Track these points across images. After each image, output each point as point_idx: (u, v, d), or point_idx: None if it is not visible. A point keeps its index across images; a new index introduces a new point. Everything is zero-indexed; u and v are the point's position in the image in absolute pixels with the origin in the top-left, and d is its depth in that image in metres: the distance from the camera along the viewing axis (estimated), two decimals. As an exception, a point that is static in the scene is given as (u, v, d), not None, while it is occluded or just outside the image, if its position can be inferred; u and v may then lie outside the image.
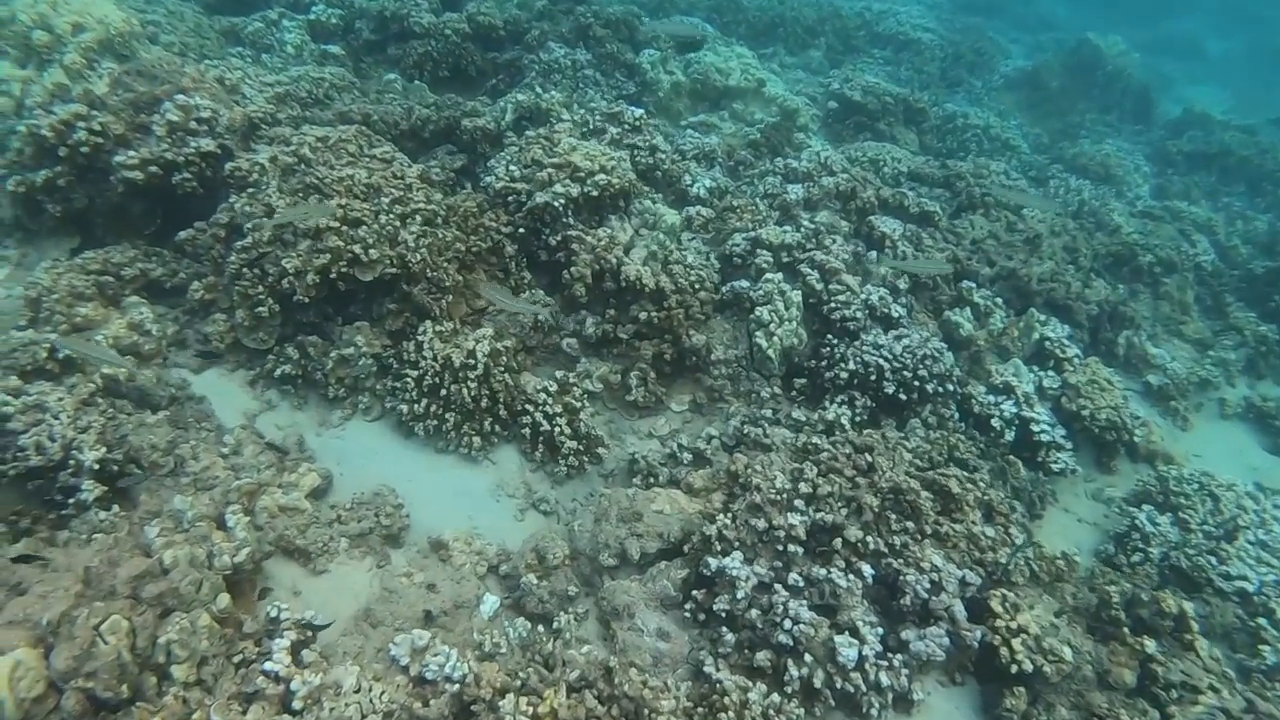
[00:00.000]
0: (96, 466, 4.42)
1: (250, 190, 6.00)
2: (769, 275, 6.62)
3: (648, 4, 13.77)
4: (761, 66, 10.96)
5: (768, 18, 14.08)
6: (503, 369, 5.94)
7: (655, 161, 7.46)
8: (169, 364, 5.92)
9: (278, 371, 5.84)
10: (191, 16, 9.21)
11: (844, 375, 6.22)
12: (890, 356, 6.20)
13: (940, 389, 6.21)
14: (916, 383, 6.16)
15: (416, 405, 5.76)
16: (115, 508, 4.50)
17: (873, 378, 6.17)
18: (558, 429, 5.85)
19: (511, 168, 6.72)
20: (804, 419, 6.11)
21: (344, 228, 5.89)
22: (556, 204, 6.48)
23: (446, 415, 5.77)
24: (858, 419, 6.12)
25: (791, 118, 10.18)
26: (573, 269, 6.43)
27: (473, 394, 5.77)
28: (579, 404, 6.00)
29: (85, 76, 5.92)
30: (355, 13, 9.90)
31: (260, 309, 5.71)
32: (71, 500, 4.39)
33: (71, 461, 4.43)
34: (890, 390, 6.16)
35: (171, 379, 5.71)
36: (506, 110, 7.40)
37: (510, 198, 6.68)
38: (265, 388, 5.96)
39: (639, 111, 7.70)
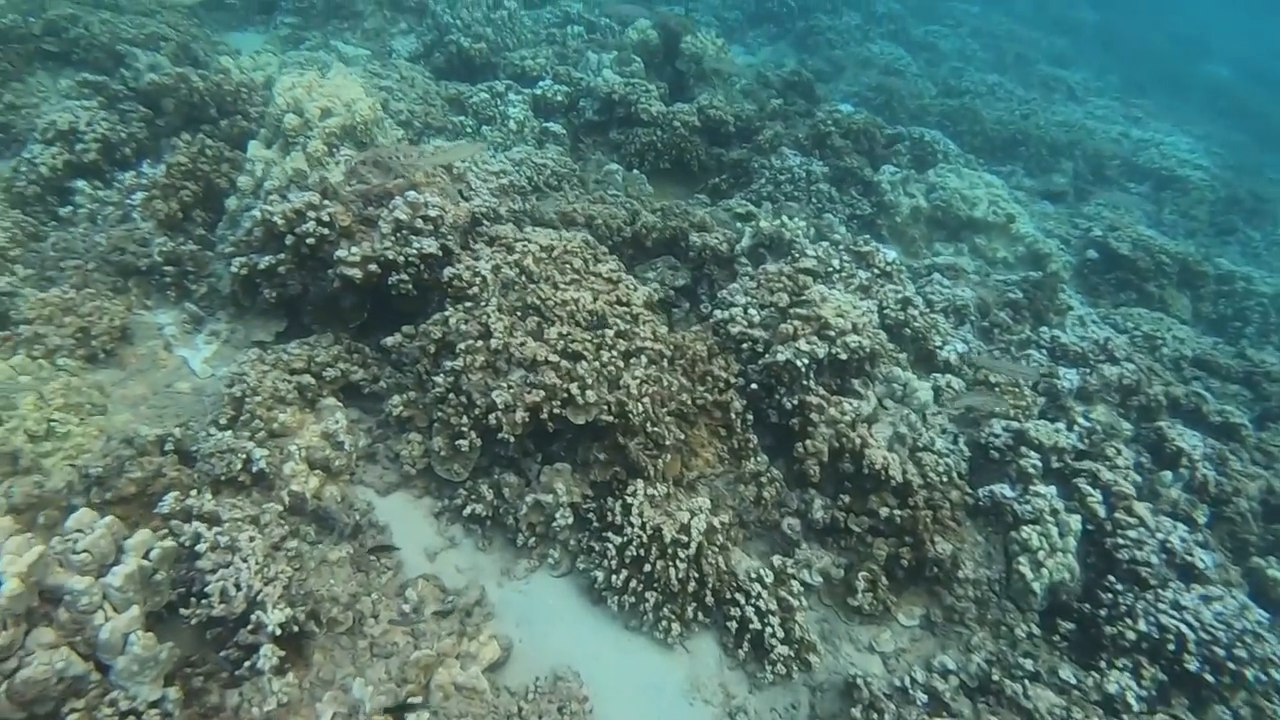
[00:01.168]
0: (278, 631, 4.11)
1: (468, 304, 5.77)
2: (1039, 488, 5.75)
3: (875, 104, 13.33)
4: (1010, 198, 10.13)
5: (1008, 133, 13.30)
6: (716, 548, 5.37)
7: (905, 317, 6.79)
8: (356, 479, 5.69)
9: (467, 509, 5.50)
10: (421, 83, 9.44)
11: (1130, 636, 5.24)
12: (1196, 625, 5.18)
13: (1263, 676, 5.11)
14: (1231, 664, 5.10)
15: (615, 576, 5.28)
16: (289, 675, 4.17)
17: (1170, 647, 5.16)
18: (769, 629, 5.21)
19: (751, 311, 6.22)
20: (1073, 681, 5.16)
21: (562, 362, 5.53)
22: (799, 363, 5.90)
23: (647, 594, 5.26)
24: (1144, 694, 5.11)
25: (1042, 264, 9.28)
26: (808, 442, 5.82)
27: (680, 575, 5.23)
28: (796, 601, 5.35)
29: (324, 164, 5.90)
30: (581, 91, 9.89)
31: (461, 441, 5.40)
32: (248, 663, 4.08)
33: (253, 618, 4.14)
34: (1192, 668, 5.12)
35: (357, 503, 5.47)
36: (744, 235, 6.94)
37: (745, 345, 6.16)
38: (450, 521, 5.66)
39: (892, 255, 7.10)
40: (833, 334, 6.05)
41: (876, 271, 7.10)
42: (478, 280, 5.82)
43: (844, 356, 6.03)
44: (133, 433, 5.36)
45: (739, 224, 7.65)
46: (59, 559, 3.85)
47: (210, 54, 10.48)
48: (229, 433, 5.33)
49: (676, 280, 7.29)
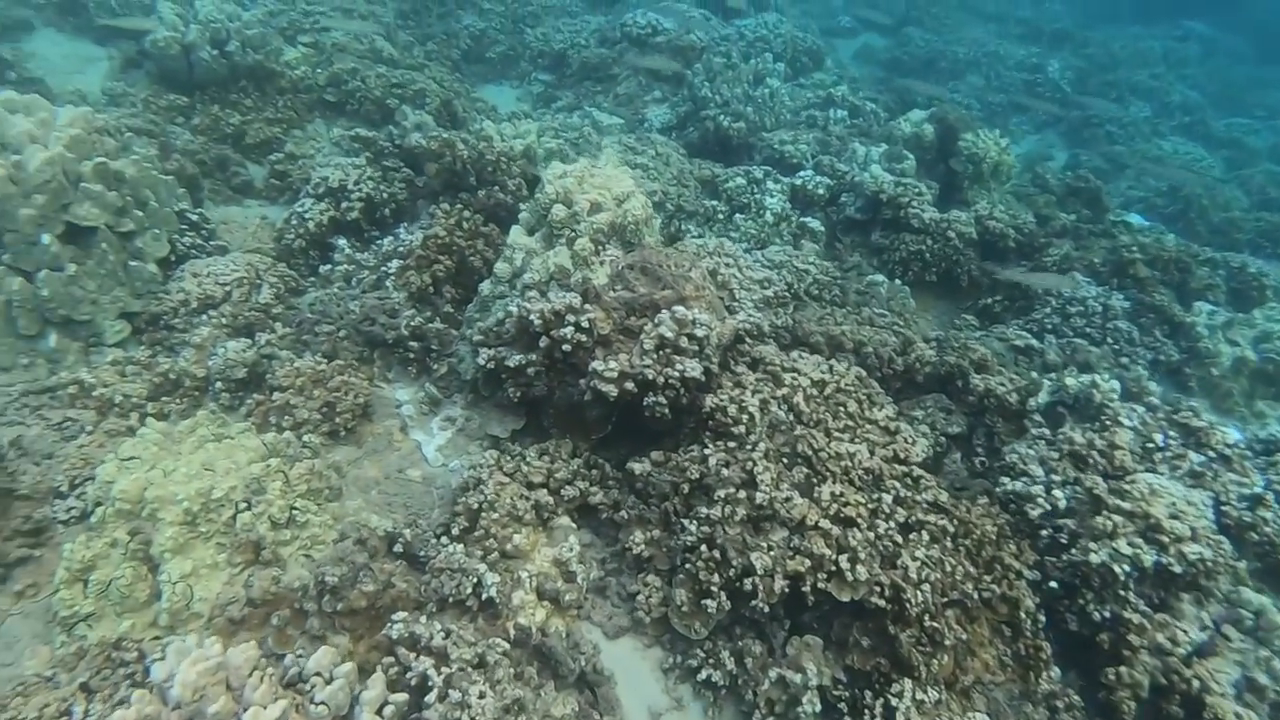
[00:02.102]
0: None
1: (731, 445, 5.32)
2: None
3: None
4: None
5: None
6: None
7: (1254, 520, 5.67)
8: (583, 614, 5.34)
9: (703, 674, 4.99)
10: (676, 161, 9.31)
11: None
12: None
13: None
14: None
15: (866, 795, 4.56)
16: None
17: None
18: None
19: (1055, 491, 5.38)
20: None
21: (833, 529, 4.94)
22: (1118, 569, 4.99)
23: (904, 832, 4.49)
24: None
25: None
26: (1124, 670, 4.88)
27: (949, 818, 4.44)
28: None
29: (588, 263, 5.69)
30: (844, 185, 9.38)
31: (708, 602, 4.91)
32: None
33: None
34: None
35: (584, 643, 5.09)
36: (1041, 389, 6.10)
37: (1045, 531, 5.32)
38: (680, 680, 5.18)
39: (1235, 435, 5.98)
40: (1164, 539, 5.09)
41: (1213, 454, 6.02)
42: (744, 418, 5.38)
43: (1177, 569, 5.05)
44: (364, 527, 5.31)
45: (1026, 367, 6.81)
46: (296, 706, 3.68)
47: (469, 110, 10.94)
48: (461, 547, 5.15)
49: (949, 426, 6.55)
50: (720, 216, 8.95)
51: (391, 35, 12.80)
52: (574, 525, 5.62)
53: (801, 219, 9.07)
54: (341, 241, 7.83)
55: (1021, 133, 16.34)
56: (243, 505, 5.03)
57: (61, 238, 6.52)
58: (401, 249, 7.42)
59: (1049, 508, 5.41)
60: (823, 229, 9.05)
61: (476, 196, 7.95)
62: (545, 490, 5.57)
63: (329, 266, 7.70)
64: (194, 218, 7.70)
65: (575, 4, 15.57)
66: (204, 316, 6.85)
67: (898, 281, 8.51)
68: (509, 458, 5.78)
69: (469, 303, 7.21)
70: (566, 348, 5.63)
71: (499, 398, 6.27)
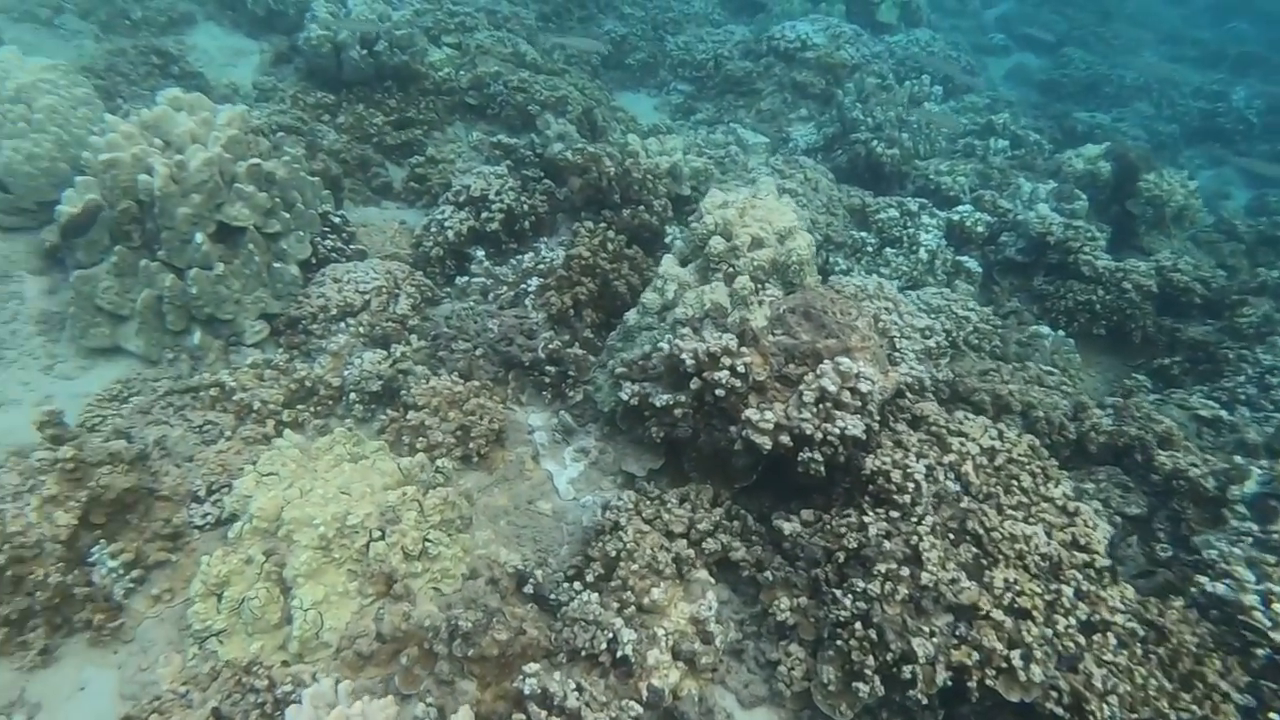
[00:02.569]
0: None
1: (894, 514, 4.96)
2: None
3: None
4: None
5: None
6: None
7: None
8: (718, 677, 5.08)
9: (843, 764, 4.66)
10: (825, 187, 8.98)
11: None
12: None
13: None
14: None
15: None
16: None
17: None
18: None
19: (1277, 606, 4.81)
20: None
21: (1005, 619, 4.53)
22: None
23: None
24: None
25: None
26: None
27: None
28: None
29: (747, 302, 5.42)
30: (1006, 224, 8.83)
31: (860, 685, 4.57)
32: None
33: None
34: None
35: (717, 711, 4.84)
36: (1249, 477, 5.51)
37: (1262, 650, 4.77)
38: (817, 761, 4.84)
39: None
40: None
41: None
42: (910, 486, 5.02)
43: None
44: (495, 564, 5.20)
45: (1211, 441, 6.18)
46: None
47: (608, 119, 10.83)
48: (596, 596, 4.96)
49: (1127, 506, 6.01)
50: (869, 249, 8.55)
51: (533, 38, 12.85)
52: (712, 580, 5.37)
53: (957, 257, 8.57)
54: (479, 253, 7.81)
55: (1196, 167, 15.23)
56: (377, 534, 4.98)
57: (212, 236, 6.67)
58: (542, 266, 7.33)
59: (1269, 624, 4.83)
60: (979, 269, 8.52)
61: (620, 215, 7.81)
62: (686, 541, 5.34)
63: (466, 279, 7.67)
64: (336, 220, 7.81)
65: (717, 12, 15.35)
66: (342, 324, 6.90)
67: (1061, 333, 7.92)
68: (648, 501, 5.58)
69: (609, 328, 7.06)
70: (720, 391, 5.38)
71: (637, 433, 6.07)
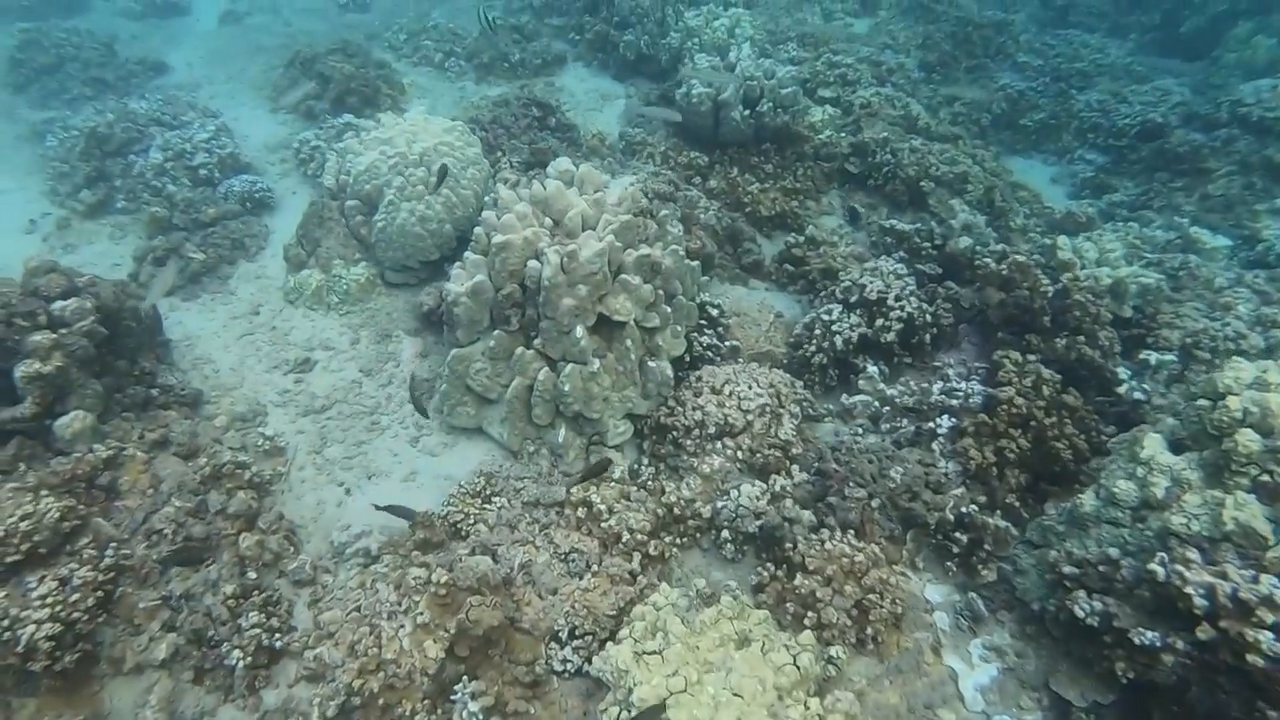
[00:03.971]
0: None
1: None
2: None
3: None
4: None
5: None
6: None
7: None
8: None
9: None
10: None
11: None
12: None
13: None
14: None
15: None
16: None
17: None
18: None
19: None
20: None
21: None
22: None
23: None
24: None
25: None
26: None
27: None
28: None
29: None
30: None
31: None
32: None
33: None
34: None
35: None
36: None
37: None
38: None
39: None
40: None
41: None
42: None
43: None
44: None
45: None
46: None
47: (1008, 199, 9.62)
48: None
49: None
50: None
51: (915, 91, 11.89)
52: None
53: None
54: (872, 369, 7.01)
55: None
56: (775, 757, 4.30)
57: (590, 329, 6.44)
58: (954, 402, 6.37)
59: None
60: None
61: (1052, 344, 6.64)
62: None
63: (854, 399, 6.90)
64: (713, 311, 7.37)
65: (1138, 62, 13.42)
66: (718, 444, 6.38)
67: None
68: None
69: (1037, 492, 5.96)
70: (1254, 659, 4.12)
71: (1081, 651, 4.94)
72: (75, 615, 5.08)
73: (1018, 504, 5.91)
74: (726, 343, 7.33)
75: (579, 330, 6.31)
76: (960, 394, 6.43)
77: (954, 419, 6.27)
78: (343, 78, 11.03)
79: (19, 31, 12.04)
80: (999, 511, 5.85)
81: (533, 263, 6.31)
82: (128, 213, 9.45)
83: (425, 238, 7.92)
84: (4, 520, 5.18)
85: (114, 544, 5.49)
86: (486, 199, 7.60)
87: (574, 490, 6.08)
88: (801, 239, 8.63)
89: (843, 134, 10.10)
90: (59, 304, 6.05)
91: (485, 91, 12.33)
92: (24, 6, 13.50)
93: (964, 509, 5.75)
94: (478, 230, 6.78)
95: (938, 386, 6.60)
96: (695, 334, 7.17)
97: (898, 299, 7.15)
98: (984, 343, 7.20)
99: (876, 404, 6.85)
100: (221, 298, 8.42)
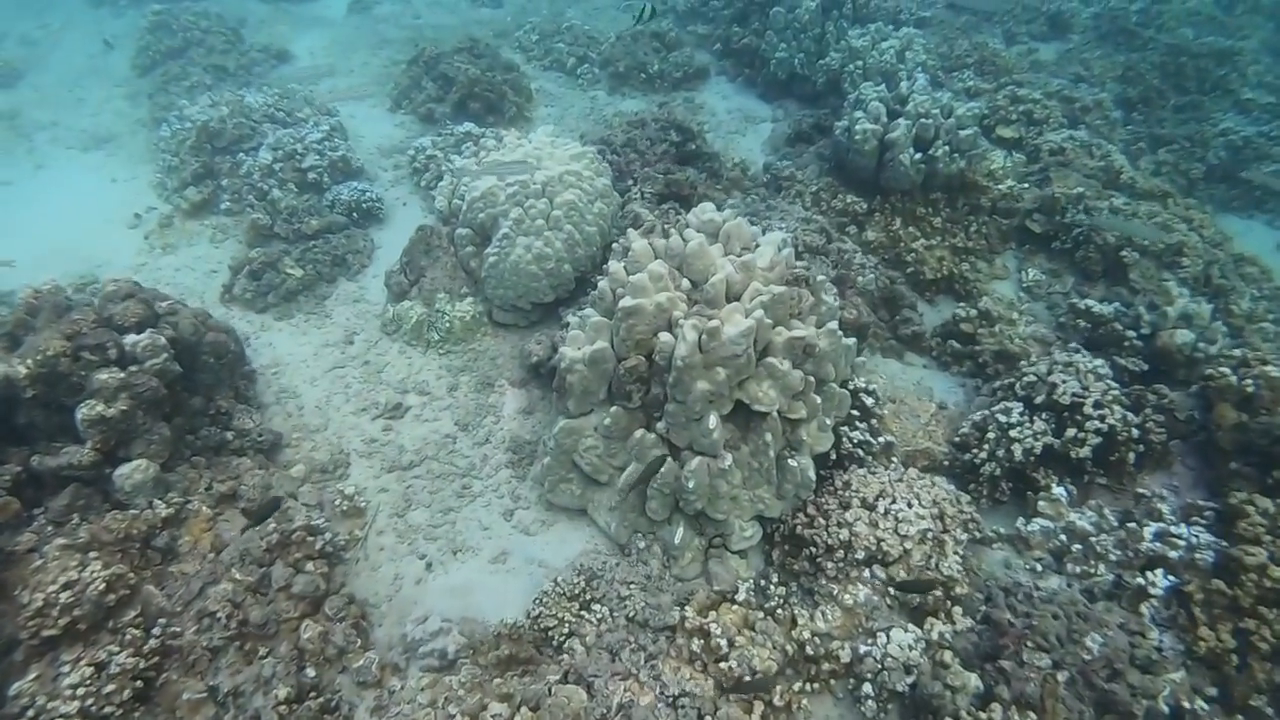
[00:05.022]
0: None
1: None
2: None
3: None
4: None
5: None
6: None
7: None
8: None
9: None
10: None
11: None
12: None
13: None
14: None
15: None
16: None
17: None
18: None
19: None
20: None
21: None
22: None
23: None
24: None
25: None
26: None
27: None
28: None
29: None
30: None
31: None
32: None
33: None
34: None
35: None
36: None
37: None
38: None
39: None
40: None
41: None
42: None
43: None
44: None
45: None
46: None
47: (1229, 274, 8.27)
48: None
49: None
50: None
51: (1113, 131, 10.55)
52: None
53: None
54: (1059, 491, 5.93)
55: None
56: None
57: (725, 417, 5.57)
58: (1174, 555, 5.23)
59: None
60: None
61: (1302, 491, 5.41)
62: None
63: (1033, 526, 5.83)
64: (867, 399, 6.38)
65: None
66: (866, 572, 5.41)
67: None
68: None
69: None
70: None
71: None
72: (107, 710, 4.54)
73: (1269, 709, 4.73)
74: (880, 438, 6.33)
75: (712, 419, 5.44)
76: (1182, 543, 5.27)
77: (1173, 578, 5.13)
78: (466, 81, 10.47)
79: (152, 13, 11.96)
80: (1239, 717, 4.69)
81: (664, 335, 5.47)
82: (231, 214, 9.11)
83: (541, 277, 7.20)
84: (45, 587, 4.70)
85: (162, 620, 4.95)
86: (615, 245, 6.80)
87: (689, 615, 5.23)
88: (973, 312, 7.53)
89: (1026, 184, 8.92)
90: (132, 338, 5.54)
91: (618, 104, 11.61)
92: (158, -13, 13.51)
93: (1185, 702, 4.63)
94: (602, 285, 6.00)
95: (1150, 530, 5.44)
96: (844, 425, 6.21)
97: (1098, 407, 6.02)
98: (1205, 469, 6.01)
99: (1062, 536, 5.75)
100: (316, 320, 7.93)
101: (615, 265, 5.98)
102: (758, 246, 6.12)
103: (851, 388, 6.36)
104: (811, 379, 5.76)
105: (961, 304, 7.81)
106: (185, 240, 8.83)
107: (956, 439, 6.57)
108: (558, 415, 6.12)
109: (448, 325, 7.42)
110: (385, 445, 6.74)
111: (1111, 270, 8.21)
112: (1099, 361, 6.41)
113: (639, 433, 5.71)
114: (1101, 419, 5.97)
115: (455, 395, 7.17)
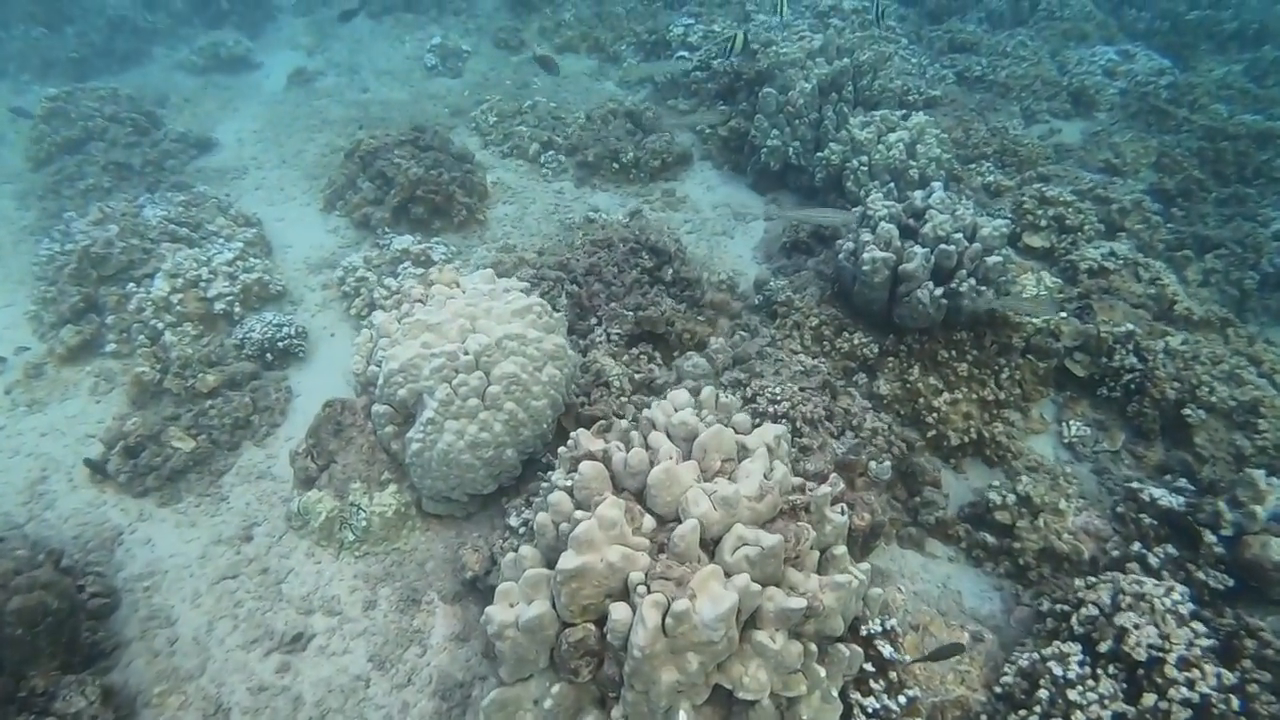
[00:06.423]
0: None
1: None
2: None
3: None
4: None
5: None
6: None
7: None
8: None
9: None
10: None
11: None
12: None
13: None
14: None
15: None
16: None
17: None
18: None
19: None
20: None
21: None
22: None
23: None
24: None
25: None
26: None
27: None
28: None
29: None
30: None
31: None
32: None
33: None
34: None
35: None
36: None
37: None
38: None
39: None
40: None
41: None
42: None
43: None
44: None
45: None
46: None
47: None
48: None
49: None
50: None
51: (1151, 238, 9.46)
52: None
53: None
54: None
55: None
56: None
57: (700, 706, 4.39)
58: None
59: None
60: None
61: None
62: None
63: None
64: (884, 648, 5.19)
65: None
66: None
67: None
68: None
69: None
70: None
71: None
72: None
73: None
74: (901, 696, 5.13)
75: (683, 715, 4.24)
76: None
77: None
78: (408, 183, 9.34)
79: (47, 99, 10.82)
80: None
81: (619, 610, 4.29)
82: (120, 356, 7.91)
83: (477, 467, 6.03)
84: None
85: None
86: (559, 465, 5.60)
87: None
88: (1010, 498, 6.37)
89: (1062, 316, 7.81)
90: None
91: (588, 198, 10.49)
92: (72, 59, 12.35)
93: None
94: (542, 518, 4.83)
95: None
96: (856, 687, 5.02)
97: (1183, 666, 4.85)
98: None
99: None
100: (209, 505, 6.74)
101: (558, 496, 4.80)
102: (742, 455, 4.99)
103: (865, 632, 5.17)
104: (814, 648, 4.58)
105: (994, 482, 6.65)
106: (58, 393, 7.62)
107: (999, 687, 5.38)
108: (491, 674, 4.93)
109: (365, 523, 6.23)
110: (278, 695, 5.51)
111: (1170, 428, 7.08)
112: (1177, 594, 5.24)
113: (592, 717, 4.52)
114: (1189, 684, 4.79)
115: (372, 616, 5.96)
